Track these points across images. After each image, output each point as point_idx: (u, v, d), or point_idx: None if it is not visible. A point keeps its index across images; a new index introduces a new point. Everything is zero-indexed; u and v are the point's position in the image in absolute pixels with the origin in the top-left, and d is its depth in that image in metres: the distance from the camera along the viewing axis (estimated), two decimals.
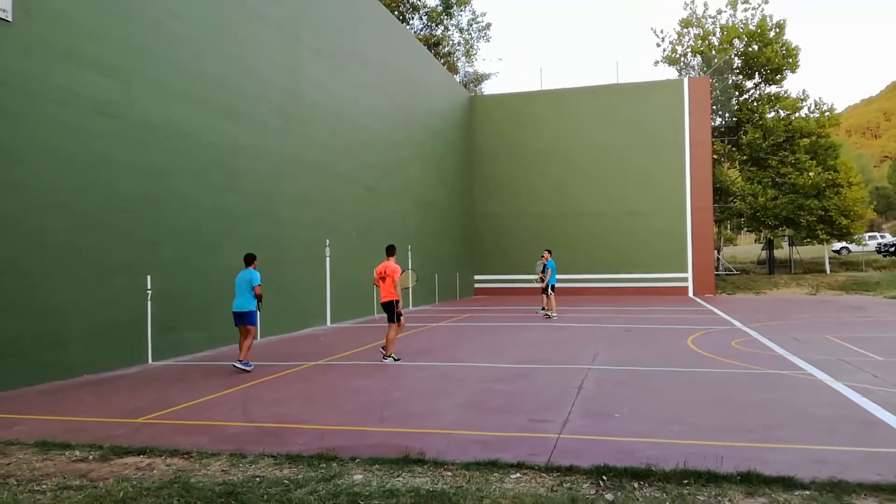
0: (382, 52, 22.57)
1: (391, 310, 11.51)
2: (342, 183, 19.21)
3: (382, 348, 11.70)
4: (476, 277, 33.32)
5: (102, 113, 11.05)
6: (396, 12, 40.05)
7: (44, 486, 5.12)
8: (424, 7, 43.40)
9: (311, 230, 17.41)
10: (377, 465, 5.43)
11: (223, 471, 5.43)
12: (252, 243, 14.31)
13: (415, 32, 41.42)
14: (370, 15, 22.09)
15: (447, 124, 30.17)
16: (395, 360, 11.47)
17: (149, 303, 11.77)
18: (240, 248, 13.84)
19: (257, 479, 5.16)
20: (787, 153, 35.51)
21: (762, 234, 41.51)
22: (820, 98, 37.54)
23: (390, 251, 11.94)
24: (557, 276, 20.80)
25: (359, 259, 19.90)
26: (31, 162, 9.79)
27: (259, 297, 10.78)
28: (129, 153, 11.56)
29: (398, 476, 5.19)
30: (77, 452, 6.03)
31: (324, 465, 5.49)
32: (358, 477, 5.18)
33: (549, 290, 19.78)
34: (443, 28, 44.76)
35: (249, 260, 11.12)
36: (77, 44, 10.63)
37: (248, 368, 10.48)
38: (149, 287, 11.77)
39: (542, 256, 20.66)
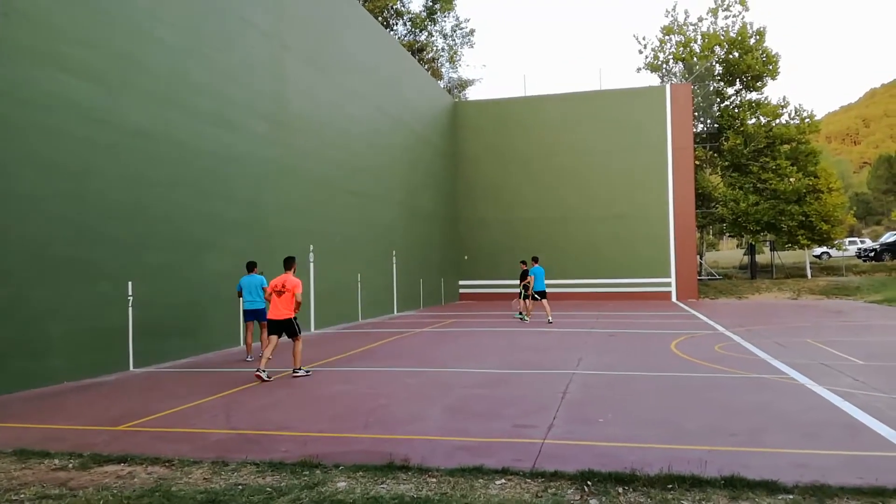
0: (367, 58, 22.56)
1: (289, 327, 10.58)
2: (327, 189, 19.15)
3: (294, 370, 10.69)
4: (461, 283, 33.32)
5: (88, 119, 10.94)
6: (380, 18, 40.07)
7: (22, 496, 5.04)
8: (408, 13, 43.47)
9: (296, 236, 17.32)
10: (361, 472, 5.40)
11: (205, 479, 5.37)
12: (237, 249, 14.23)
13: (399, 38, 41.45)
14: (355, 21, 22.08)
15: (432, 130, 30.19)
16: (306, 372, 10.71)
17: (130, 309, 11.65)
18: (225, 254, 13.77)
19: (239, 487, 5.11)
20: (767, 159, 35.87)
21: (744, 240, 41.82)
22: (800, 105, 38.00)
23: (289, 264, 10.91)
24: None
25: (343, 264, 19.85)
26: (14, 168, 9.67)
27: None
28: (114, 159, 11.46)
29: (382, 483, 5.16)
30: (56, 461, 5.94)
31: (307, 472, 5.45)
32: (341, 484, 5.14)
33: (529, 296, 20.22)
34: (427, 34, 44.85)
35: (252, 266, 12.54)
36: (61, 49, 10.52)
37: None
38: (130, 293, 11.65)
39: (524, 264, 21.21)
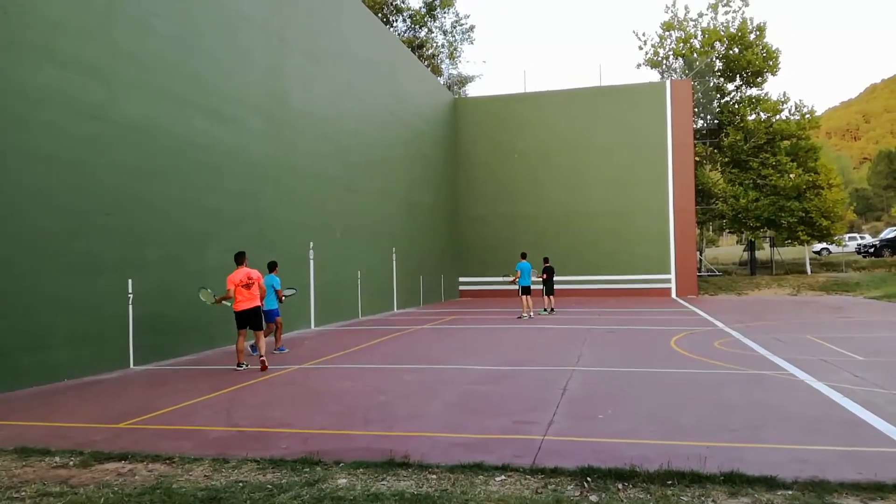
0: (367, 54, 22.54)
1: (259, 316, 11.17)
2: (327, 184, 19.15)
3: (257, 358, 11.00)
4: (461, 279, 33.33)
5: (84, 113, 10.93)
6: (380, 14, 40.02)
7: (23, 493, 5.05)
8: (408, 9, 43.41)
9: (295, 231, 17.34)
10: (361, 469, 5.41)
11: (206, 476, 5.38)
12: (237, 245, 14.21)
13: (398, 35, 41.39)
14: (354, 17, 22.05)
15: (432, 126, 30.17)
16: (245, 367, 10.96)
17: (130, 306, 11.65)
18: (224, 249, 13.76)
19: (240, 484, 5.12)
20: (767, 155, 35.87)
21: (744, 236, 41.86)
22: (800, 100, 38.05)
23: (241, 259, 11.23)
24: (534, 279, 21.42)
25: (342, 261, 19.85)
26: (11, 162, 9.65)
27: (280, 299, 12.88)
28: (112, 154, 11.45)
29: (382, 480, 5.17)
30: (57, 458, 5.95)
31: (307, 469, 5.46)
32: (342, 481, 5.15)
33: (523, 292, 20.42)
34: (426, 30, 44.78)
35: (272, 267, 13.11)
36: (58, 43, 10.50)
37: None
38: (130, 290, 11.65)
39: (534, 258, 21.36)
